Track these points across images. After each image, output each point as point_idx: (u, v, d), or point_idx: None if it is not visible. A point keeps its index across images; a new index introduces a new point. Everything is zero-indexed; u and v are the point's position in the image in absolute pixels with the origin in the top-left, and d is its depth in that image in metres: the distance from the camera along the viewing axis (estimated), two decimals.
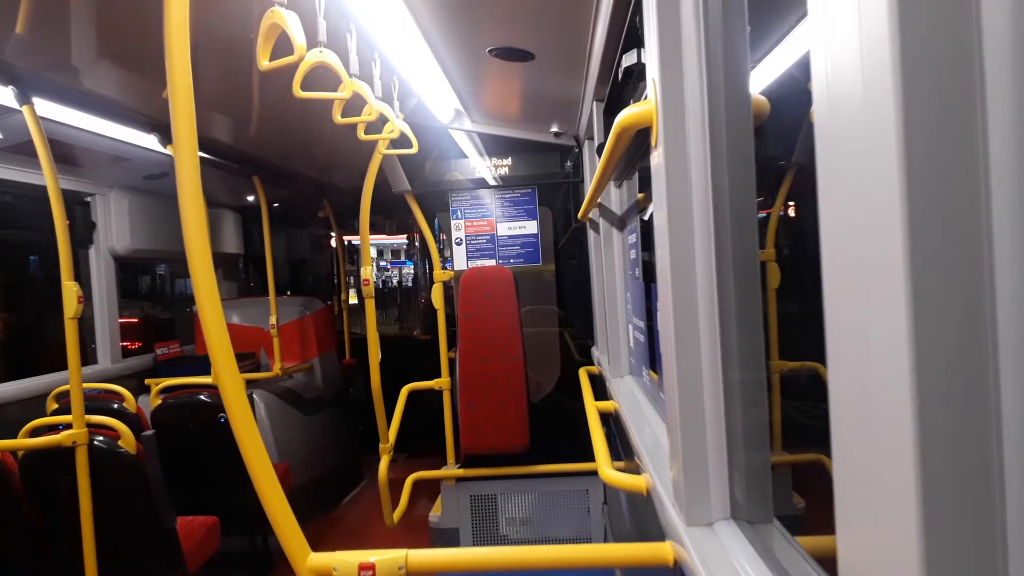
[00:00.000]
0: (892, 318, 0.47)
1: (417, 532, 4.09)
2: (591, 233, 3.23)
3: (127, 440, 2.68)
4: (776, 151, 1.31)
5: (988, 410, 0.46)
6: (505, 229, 4.08)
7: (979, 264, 0.45)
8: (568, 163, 3.95)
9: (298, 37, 1.73)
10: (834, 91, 0.55)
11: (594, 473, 2.39)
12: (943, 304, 0.46)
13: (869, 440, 0.53)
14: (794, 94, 1.12)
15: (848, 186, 0.53)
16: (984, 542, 0.46)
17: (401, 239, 10.36)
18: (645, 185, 2.30)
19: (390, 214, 7.53)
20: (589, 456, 2.19)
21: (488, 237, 4.09)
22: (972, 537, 0.46)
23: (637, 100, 1.85)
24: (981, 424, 0.46)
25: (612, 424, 2.71)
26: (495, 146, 3.99)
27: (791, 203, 1.49)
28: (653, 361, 2.08)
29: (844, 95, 0.53)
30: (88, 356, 4.40)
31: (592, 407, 2.44)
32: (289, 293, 6.48)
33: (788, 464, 1.38)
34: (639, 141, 1.71)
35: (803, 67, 0.81)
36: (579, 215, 2.90)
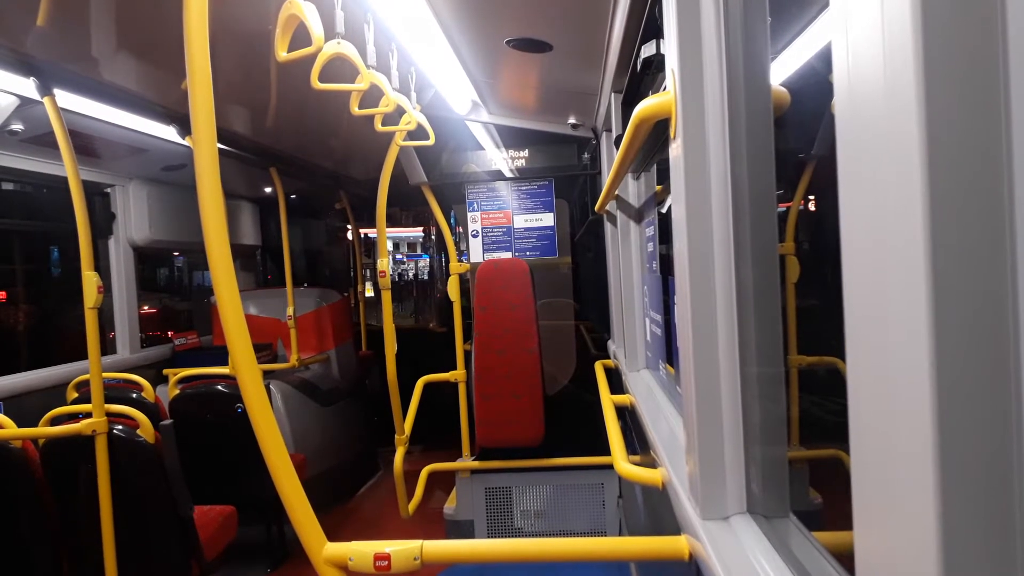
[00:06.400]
0: (912, 313, 0.47)
1: (432, 524, 4.11)
2: (608, 226, 3.21)
3: (145, 429, 2.71)
4: (796, 143, 1.30)
5: (1008, 407, 0.45)
6: (521, 221, 4.08)
7: (1001, 259, 0.45)
8: (585, 155, 3.94)
9: (316, 28, 1.74)
10: (855, 83, 0.54)
11: (609, 467, 2.39)
12: (964, 299, 0.45)
13: (888, 436, 0.52)
14: (815, 86, 1.11)
15: (869, 179, 0.53)
16: (1003, 540, 0.46)
17: (417, 232, 10.37)
18: (663, 177, 2.29)
19: (406, 206, 7.55)
20: (605, 450, 2.18)
21: (504, 229, 4.08)
22: (991, 535, 0.46)
23: (656, 91, 1.84)
24: (1001, 421, 0.45)
25: (628, 418, 2.70)
26: (512, 138, 3.98)
27: (811, 196, 1.48)
28: (670, 355, 2.07)
29: (866, 87, 0.52)
30: (107, 346, 4.45)
31: (608, 401, 2.44)
32: (306, 285, 6.52)
33: (805, 459, 1.38)
34: (657, 133, 1.70)
35: (824, 58, 0.80)
36: (596, 207, 2.90)
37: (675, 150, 1.19)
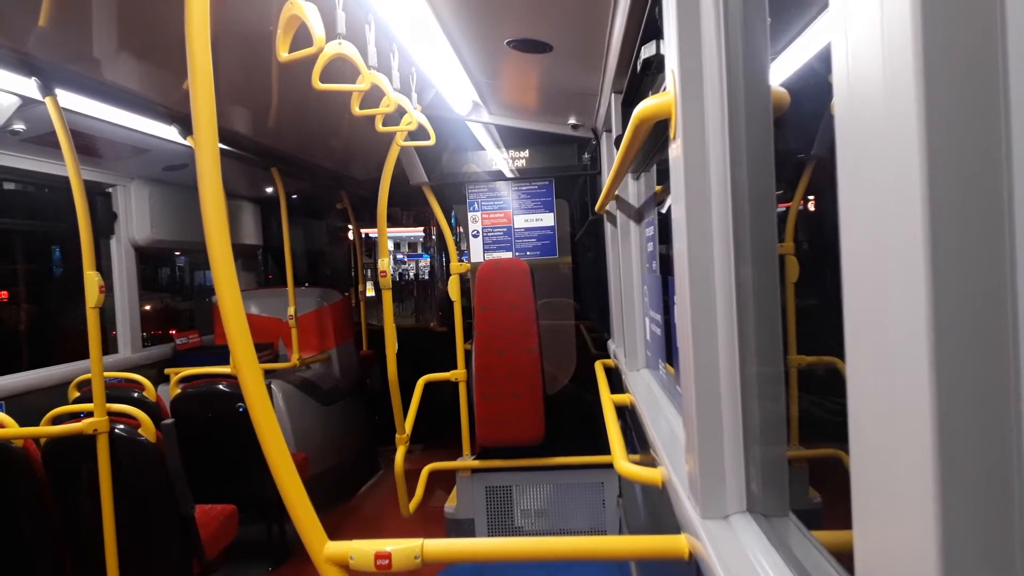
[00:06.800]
0: (912, 313, 0.47)
1: (433, 523, 4.11)
2: (608, 226, 3.22)
3: (147, 428, 2.71)
4: (796, 144, 1.30)
5: (1008, 407, 0.45)
6: (522, 221, 4.08)
7: (1000, 259, 0.45)
8: (585, 155, 3.94)
9: (317, 29, 1.74)
10: (855, 83, 0.54)
11: (609, 466, 2.39)
12: (963, 299, 0.45)
13: (887, 435, 0.52)
14: (814, 86, 1.11)
15: (868, 179, 0.53)
16: (1003, 539, 0.46)
17: (418, 231, 10.39)
18: (663, 178, 2.29)
19: (407, 206, 7.55)
20: (605, 449, 2.19)
21: (505, 229, 4.09)
22: (990, 534, 0.46)
23: (656, 92, 1.84)
24: (1001, 421, 0.46)
25: (628, 417, 2.70)
26: (512, 138, 3.98)
27: (810, 196, 1.48)
28: (669, 354, 2.07)
29: (865, 87, 0.52)
30: (108, 345, 4.45)
31: (608, 400, 2.44)
32: (307, 284, 6.53)
33: (805, 459, 1.38)
34: (657, 133, 1.70)
35: (824, 59, 0.81)
36: (596, 208, 2.90)
37: (675, 150, 1.19)
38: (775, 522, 1.09)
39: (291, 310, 4.73)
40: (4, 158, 3.51)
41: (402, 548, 1.33)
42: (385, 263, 3.19)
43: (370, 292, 7.17)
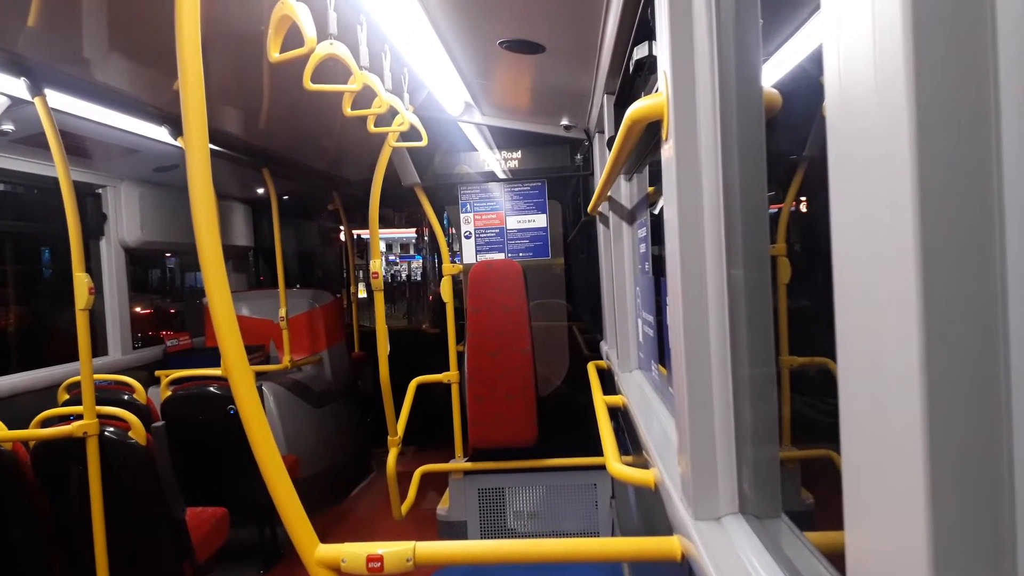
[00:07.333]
0: (903, 314, 0.47)
1: (425, 525, 4.11)
2: (601, 227, 3.22)
3: (137, 431, 2.70)
4: (788, 145, 1.30)
5: (998, 407, 0.46)
6: (514, 222, 4.08)
7: (990, 259, 0.45)
8: (578, 156, 3.95)
9: (308, 29, 1.73)
10: (846, 85, 0.54)
11: (602, 467, 2.39)
12: (954, 300, 0.46)
13: (878, 436, 0.52)
14: (806, 88, 1.11)
15: (860, 180, 0.53)
16: (993, 540, 0.46)
17: (410, 233, 10.39)
18: (655, 179, 2.29)
19: (399, 207, 7.55)
20: (597, 450, 2.19)
21: (497, 230, 4.08)
22: (981, 534, 0.46)
23: (648, 93, 1.84)
24: (991, 421, 0.46)
25: (620, 418, 2.71)
26: (505, 139, 3.98)
27: (802, 197, 1.48)
28: (662, 355, 2.08)
29: (856, 89, 0.52)
30: (98, 347, 4.43)
31: (600, 401, 2.44)
32: (299, 286, 6.51)
33: (797, 460, 1.38)
34: (650, 134, 1.70)
35: (816, 60, 0.81)
36: (589, 209, 2.90)
37: (667, 152, 1.19)
38: (767, 523, 1.09)
39: (282, 312, 4.71)
40: None
41: (394, 551, 1.33)
42: (377, 264, 3.18)
43: (362, 293, 7.16)
